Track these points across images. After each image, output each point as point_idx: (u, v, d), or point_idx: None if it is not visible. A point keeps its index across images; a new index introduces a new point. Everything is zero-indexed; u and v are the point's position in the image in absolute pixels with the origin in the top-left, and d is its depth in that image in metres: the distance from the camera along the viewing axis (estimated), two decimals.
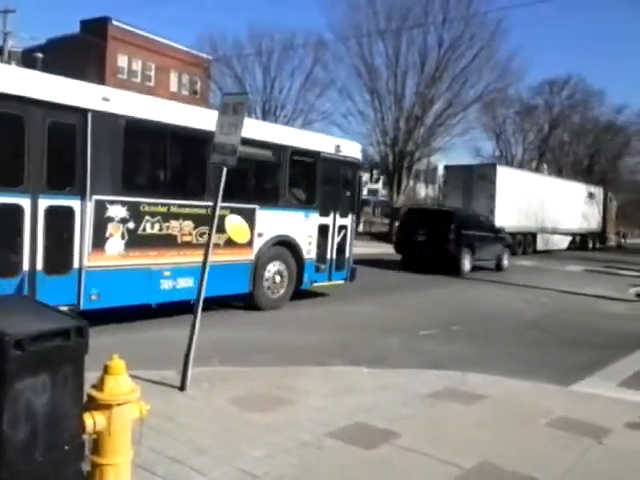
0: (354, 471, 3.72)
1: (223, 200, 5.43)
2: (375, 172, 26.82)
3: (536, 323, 10.07)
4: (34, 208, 6.54)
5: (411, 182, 42.10)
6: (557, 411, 5.02)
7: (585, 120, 54.17)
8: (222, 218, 8.42)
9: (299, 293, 10.20)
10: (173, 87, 46.93)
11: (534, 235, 27.13)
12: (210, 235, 5.28)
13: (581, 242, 33.19)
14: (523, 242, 26.22)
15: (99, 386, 2.72)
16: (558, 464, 3.97)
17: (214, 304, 8.42)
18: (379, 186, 64.52)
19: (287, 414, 4.58)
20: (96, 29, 37.78)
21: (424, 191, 56.67)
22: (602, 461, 4.10)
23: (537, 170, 48.89)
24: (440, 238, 16.32)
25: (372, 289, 12.65)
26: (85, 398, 2.71)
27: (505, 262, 19.25)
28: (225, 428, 4.22)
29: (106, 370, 2.74)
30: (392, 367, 6.32)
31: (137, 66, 41.42)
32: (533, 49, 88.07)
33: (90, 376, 2.77)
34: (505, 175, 25.32)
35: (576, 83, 52.51)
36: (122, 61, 40.31)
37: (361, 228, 35.15)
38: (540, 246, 27.85)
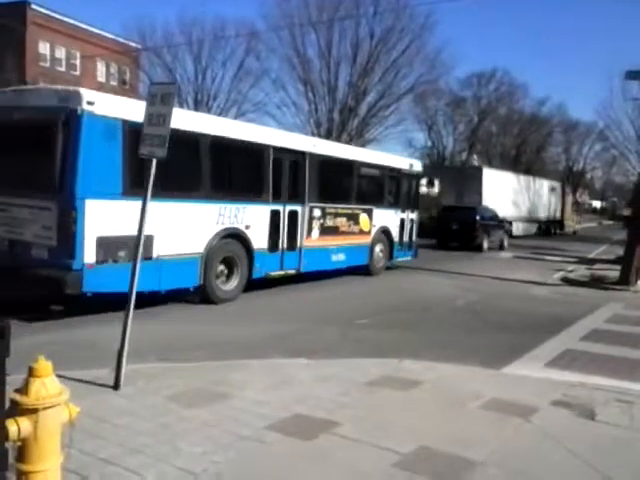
0: (294, 463, 3.72)
1: (358, 204, 12.04)
2: None
3: (468, 309, 10.39)
4: (284, 212, 11.04)
5: None
6: (489, 393, 5.20)
7: (511, 112, 56.22)
8: (357, 215, 13.31)
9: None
10: (100, 77, 45.23)
11: (510, 223, 30.61)
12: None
13: (546, 229, 37.91)
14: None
15: (23, 390, 2.57)
16: (490, 444, 4.11)
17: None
18: None
19: (226, 409, 4.52)
20: (14, 13, 35.76)
21: None
22: (530, 439, 4.28)
23: (467, 160, 50.50)
24: (469, 227, 23.09)
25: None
26: (8, 403, 2.57)
27: (505, 243, 25.55)
28: (162, 426, 4.12)
29: (31, 372, 2.59)
30: (332, 357, 6.37)
31: (61, 54, 39.59)
32: (462, 42, 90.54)
33: (19, 379, 2.63)
34: (489, 175, 30.02)
35: (502, 76, 54.40)
36: (44, 48, 38.40)
37: None
38: (515, 232, 31.54)
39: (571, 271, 17.07)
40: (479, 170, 30.42)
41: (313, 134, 32.21)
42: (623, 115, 35.06)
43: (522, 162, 57.29)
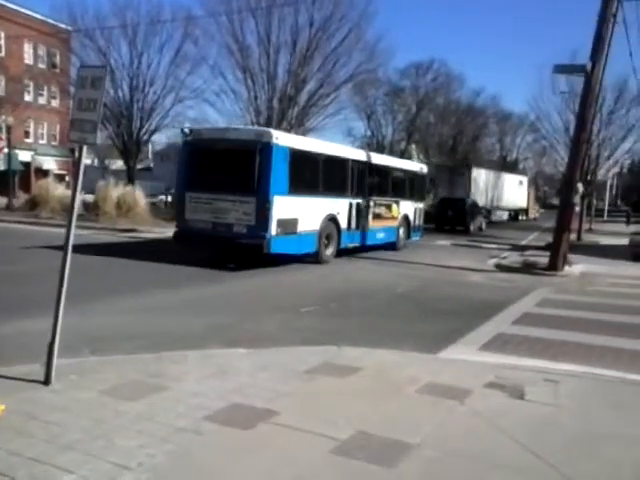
0: (232, 453, 3.69)
1: (392, 197, 18.01)
2: None
3: (407, 296, 10.60)
4: (355, 203, 15.70)
5: None
6: (425, 377, 5.32)
7: (448, 102, 57.39)
8: (391, 205, 18.15)
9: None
10: (28, 59, 43.21)
11: (489, 211, 37.58)
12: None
13: (515, 215, 44.66)
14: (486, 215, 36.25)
15: None
16: (425, 427, 4.21)
17: None
18: None
19: (162, 401, 4.44)
20: None
21: None
22: (464, 420, 4.41)
23: (406, 150, 51.37)
24: (460, 213, 30.21)
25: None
26: None
27: (484, 226, 32.36)
28: (95, 421, 4.00)
29: None
30: (271, 346, 6.35)
31: None
32: (400, 33, 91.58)
33: None
34: (475, 172, 37.11)
35: (439, 67, 55.47)
36: None
37: None
38: (493, 219, 38.13)
39: (505, 258, 17.68)
40: (468, 169, 37.33)
41: (252, 123, 31.89)
42: (552, 107, 36.39)
43: (459, 152, 58.74)
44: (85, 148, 4.93)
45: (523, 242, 24.83)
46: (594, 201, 39.13)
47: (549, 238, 18.10)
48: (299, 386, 4.99)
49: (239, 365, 5.48)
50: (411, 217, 19.81)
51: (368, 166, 16.68)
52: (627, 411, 4.83)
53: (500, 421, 4.37)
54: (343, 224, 15.10)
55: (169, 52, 32.23)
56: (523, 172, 65.25)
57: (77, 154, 4.99)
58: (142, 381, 4.86)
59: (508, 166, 65.11)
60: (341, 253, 15.26)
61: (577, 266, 15.31)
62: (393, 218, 18.41)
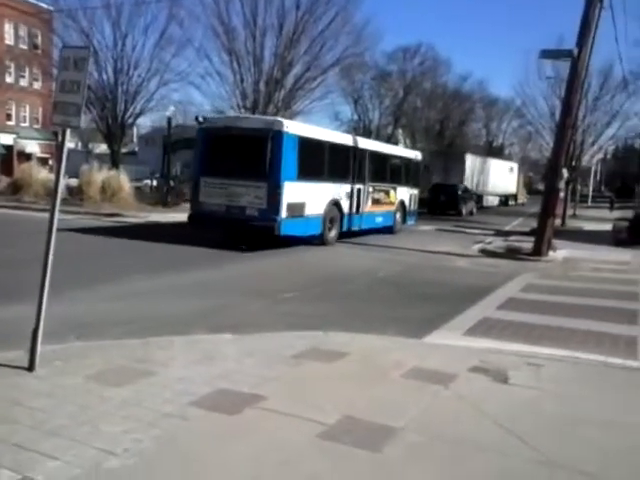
0: (218, 438, 3.71)
1: (389, 183, 18.96)
2: None
3: (391, 281, 10.64)
4: (355, 188, 16.53)
5: None
6: (410, 362, 5.36)
7: (435, 87, 57.28)
8: (389, 191, 19.03)
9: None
10: (9, 39, 42.36)
11: (481, 196, 39.03)
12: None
13: (505, 200, 46.42)
14: (477, 200, 37.38)
15: None
16: (410, 411, 4.25)
17: None
18: None
19: (148, 386, 4.43)
20: None
21: None
22: (448, 404, 4.46)
23: (393, 134, 51.32)
24: (453, 199, 31.82)
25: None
26: None
27: (474, 210, 33.80)
28: (81, 407, 3.99)
29: None
30: (257, 331, 6.35)
31: None
32: (387, 16, 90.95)
33: None
34: (469, 159, 38.90)
35: (426, 51, 55.29)
36: None
37: None
38: (485, 204, 39.94)
39: (489, 243, 17.80)
40: (462, 155, 39.29)
41: (239, 106, 31.63)
42: (538, 93, 36.45)
43: (445, 136, 58.79)
44: (68, 131, 4.86)
45: (507, 227, 25.00)
46: (579, 187, 39.50)
47: (533, 224, 18.24)
48: (286, 371, 5.01)
49: (225, 350, 5.48)
50: (407, 202, 20.84)
51: (368, 153, 17.50)
52: (608, 394, 4.91)
53: (484, 405, 4.42)
54: (345, 208, 16.11)
55: (154, 34, 31.71)
56: (509, 157, 65.61)
57: (60, 137, 4.91)
58: (128, 367, 4.85)
59: (494, 151, 65.35)
60: (342, 236, 16.14)
61: (561, 251, 15.45)
62: (390, 203, 19.41)
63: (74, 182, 24.52)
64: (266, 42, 30.69)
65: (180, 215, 21.85)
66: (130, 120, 33.67)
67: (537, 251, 14.63)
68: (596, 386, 5.09)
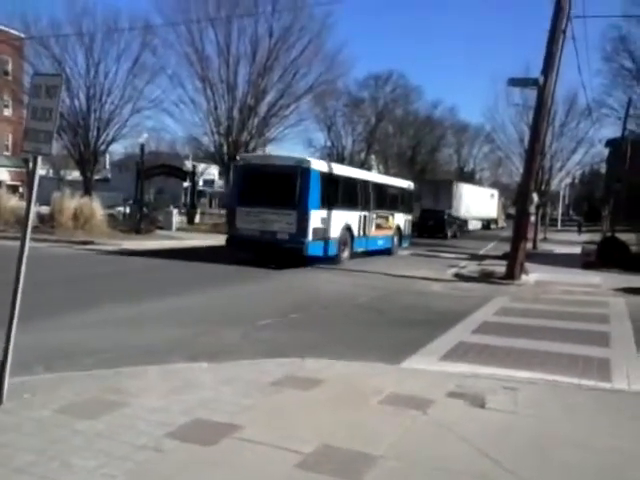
0: (195, 469, 3.62)
1: (388, 210, 21.26)
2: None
3: (368, 306, 10.65)
4: (363, 215, 18.82)
5: None
6: (388, 388, 5.34)
7: (407, 114, 58.36)
8: (388, 217, 21.14)
9: None
10: None
11: (466, 221, 42.13)
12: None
13: (487, 224, 49.79)
14: (462, 224, 40.58)
15: None
16: (389, 438, 4.22)
17: None
18: (215, 176, 63.76)
19: (121, 418, 4.33)
20: None
21: None
22: (426, 430, 4.45)
23: (366, 160, 51.92)
24: (440, 223, 34.90)
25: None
26: None
27: (458, 233, 36.98)
28: (50, 441, 3.86)
29: None
30: (235, 359, 6.27)
31: None
32: (359, 45, 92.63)
33: None
34: (457, 187, 42.31)
35: (397, 78, 56.40)
36: None
37: (197, 220, 34.46)
38: (470, 228, 43.09)
39: (463, 267, 17.98)
40: (450, 183, 43.05)
41: (212, 133, 31.73)
42: (507, 119, 37.40)
43: (417, 162, 59.70)
44: (40, 158, 4.80)
45: (481, 251, 25.30)
46: (548, 211, 40.34)
47: (506, 247, 18.48)
48: (263, 399, 4.94)
49: (201, 379, 5.39)
50: (402, 227, 22.96)
51: (371, 184, 20.08)
52: (582, 417, 4.95)
53: (462, 430, 4.41)
54: (355, 232, 18.25)
55: (127, 61, 31.81)
56: (480, 182, 66.71)
57: (31, 165, 4.85)
58: (100, 398, 4.73)
59: (465, 176, 66.48)
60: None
61: (533, 274, 15.68)
62: (389, 228, 21.56)
63: (45, 210, 24.14)
64: (239, 70, 31.02)
65: (153, 242, 21.69)
66: (103, 147, 33.50)
67: (510, 275, 14.81)
68: (571, 409, 5.13)
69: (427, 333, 8.21)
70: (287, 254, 15.74)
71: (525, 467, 3.81)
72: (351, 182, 18.41)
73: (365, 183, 19.51)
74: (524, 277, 15.04)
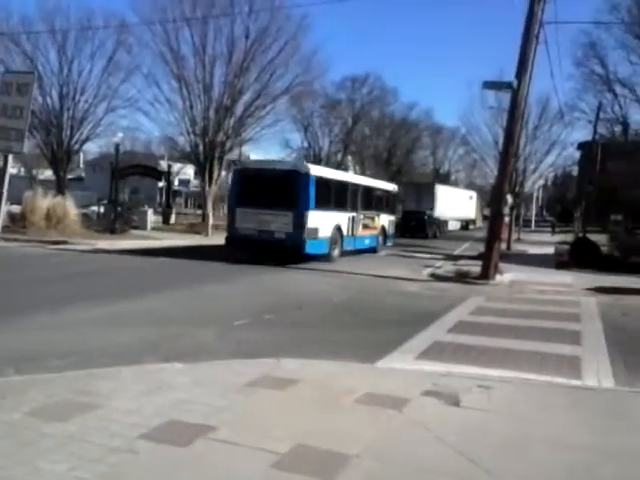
0: (169, 471, 3.58)
1: (374, 211, 22.42)
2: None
3: (343, 306, 10.66)
4: (351, 215, 19.90)
5: (223, 173, 41.89)
6: (363, 388, 5.35)
7: (383, 115, 58.66)
8: (374, 217, 22.29)
9: None
10: None
11: (446, 221, 44.03)
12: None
13: (466, 225, 51.78)
14: (443, 225, 42.57)
15: None
16: (364, 437, 4.22)
17: None
18: (191, 176, 63.29)
19: (93, 420, 4.25)
20: None
21: None
22: (402, 429, 4.46)
23: (342, 162, 52.06)
24: (421, 224, 36.40)
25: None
26: None
27: (438, 234, 38.68)
28: (20, 444, 3.78)
29: None
30: (209, 360, 6.22)
31: None
32: (336, 46, 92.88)
33: None
34: (439, 189, 43.70)
35: (374, 81, 56.64)
36: None
37: (173, 220, 34.16)
38: (450, 228, 45.16)
39: (439, 267, 18.12)
40: (432, 185, 44.75)
41: (188, 132, 31.52)
42: (482, 122, 37.92)
43: (393, 164, 60.00)
44: (11, 157, 4.72)
45: (456, 252, 25.53)
46: (522, 212, 40.92)
47: (480, 247, 18.69)
48: (238, 400, 4.90)
49: (175, 380, 5.33)
50: (387, 227, 24.25)
51: (360, 187, 21.40)
52: (554, 414, 5.01)
53: (437, 429, 4.44)
54: (344, 232, 19.39)
55: (101, 60, 31.48)
56: (455, 184, 67.35)
57: (2, 163, 4.76)
58: (72, 400, 4.65)
59: (441, 178, 67.07)
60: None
61: (507, 274, 15.87)
62: (375, 228, 22.75)
63: (17, 209, 23.71)
64: (216, 70, 30.90)
65: (128, 242, 21.45)
66: (76, 146, 33.06)
67: (485, 275, 14.97)
68: (544, 406, 5.20)
69: (403, 332, 8.25)
70: (283, 252, 16.75)
71: (500, 465, 3.85)
72: (341, 185, 19.64)
73: (354, 186, 20.76)
74: (499, 277, 15.21)
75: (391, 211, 25.23)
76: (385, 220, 23.95)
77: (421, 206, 39.12)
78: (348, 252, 19.77)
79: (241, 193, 17.51)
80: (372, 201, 22.43)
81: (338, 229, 18.84)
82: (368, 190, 22.28)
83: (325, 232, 17.75)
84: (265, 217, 16.73)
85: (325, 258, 17.83)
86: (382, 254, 22.48)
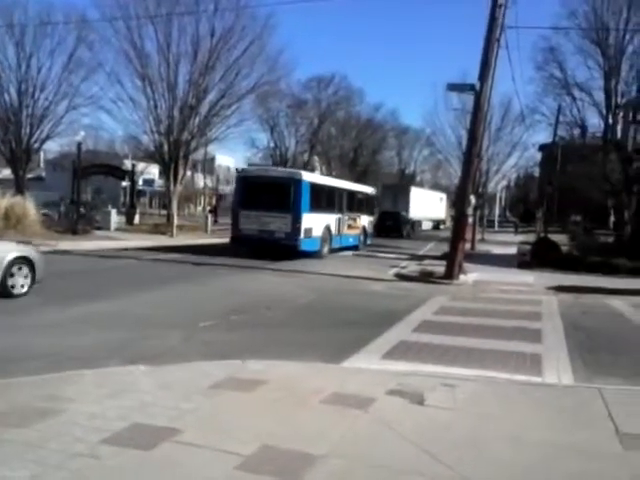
0: (133, 476, 3.54)
1: (356, 212, 24.95)
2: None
3: (309, 306, 10.68)
4: (337, 217, 22.35)
5: (189, 172, 41.44)
6: (329, 388, 5.38)
7: (349, 116, 58.85)
8: (356, 218, 24.64)
9: None
10: None
11: (420, 221, 45.90)
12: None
13: (437, 225, 53.39)
14: (416, 225, 43.93)
15: None
16: (330, 437, 4.26)
17: None
18: (155, 176, 62.44)
19: (56, 425, 4.18)
20: None
21: (202, 181, 56.30)
22: (368, 428, 4.51)
23: (308, 162, 52.13)
24: (397, 223, 38.13)
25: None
26: None
27: (411, 233, 39.77)
28: None
29: None
30: (174, 362, 6.16)
31: None
32: (302, 46, 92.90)
33: None
34: (413, 191, 45.86)
35: (340, 81, 56.81)
36: None
37: (137, 220, 33.66)
38: (423, 228, 47.07)
39: (404, 267, 18.29)
40: (408, 188, 46.98)
41: (152, 132, 31.07)
42: (446, 123, 38.42)
43: (359, 164, 60.29)
44: None
45: (421, 252, 25.82)
46: (486, 212, 41.69)
47: (444, 248, 18.94)
48: (203, 402, 4.88)
49: (139, 383, 5.28)
50: (367, 227, 26.62)
51: (345, 191, 23.80)
52: (515, 411, 5.13)
53: (402, 427, 4.49)
54: (333, 231, 21.57)
55: (62, 56, 30.64)
56: (420, 184, 68.09)
57: None
58: (32, 405, 4.55)
59: (406, 178, 67.71)
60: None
61: (471, 274, 16.12)
62: (357, 227, 25.04)
63: None
64: (180, 68, 30.48)
65: (90, 243, 21.05)
66: (36, 144, 32.18)
67: (449, 274, 15.17)
68: (505, 404, 5.32)
69: (368, 332, 8.31)
70: (281, 249, 18.81)
71: (462, 462, 3.92)
72: (330, 189, 22.16)
73: (340, 190, 23.29)
74: (463, 277, 15.44)
75: (370, 212, 27.55)
76: (365, 220, 26.24)
77: (397, 207, 40.97)
78: (335, 249, 21.79)
79: (244, 197, 19.52)
80: (354, 203, 24.71)
81: (328, 229, 21.00)
82: (351, 193, 24.74)
83: (317, 232, 19.94)
84: (266, 219, 18.77)
85: (316, 255, 19.80)
86: (350, 254, 22.67)
